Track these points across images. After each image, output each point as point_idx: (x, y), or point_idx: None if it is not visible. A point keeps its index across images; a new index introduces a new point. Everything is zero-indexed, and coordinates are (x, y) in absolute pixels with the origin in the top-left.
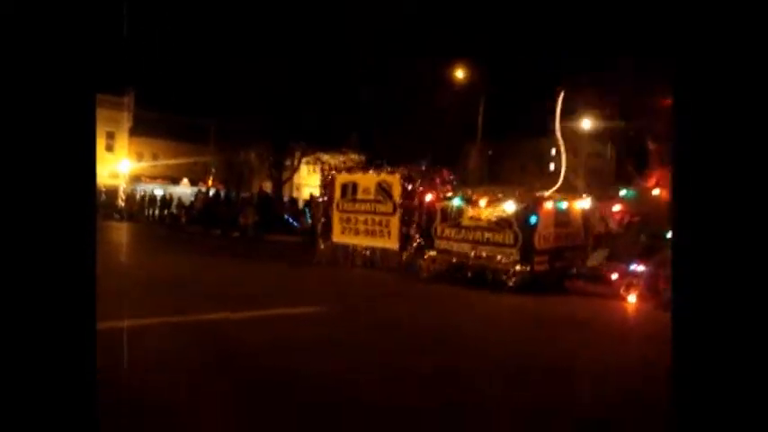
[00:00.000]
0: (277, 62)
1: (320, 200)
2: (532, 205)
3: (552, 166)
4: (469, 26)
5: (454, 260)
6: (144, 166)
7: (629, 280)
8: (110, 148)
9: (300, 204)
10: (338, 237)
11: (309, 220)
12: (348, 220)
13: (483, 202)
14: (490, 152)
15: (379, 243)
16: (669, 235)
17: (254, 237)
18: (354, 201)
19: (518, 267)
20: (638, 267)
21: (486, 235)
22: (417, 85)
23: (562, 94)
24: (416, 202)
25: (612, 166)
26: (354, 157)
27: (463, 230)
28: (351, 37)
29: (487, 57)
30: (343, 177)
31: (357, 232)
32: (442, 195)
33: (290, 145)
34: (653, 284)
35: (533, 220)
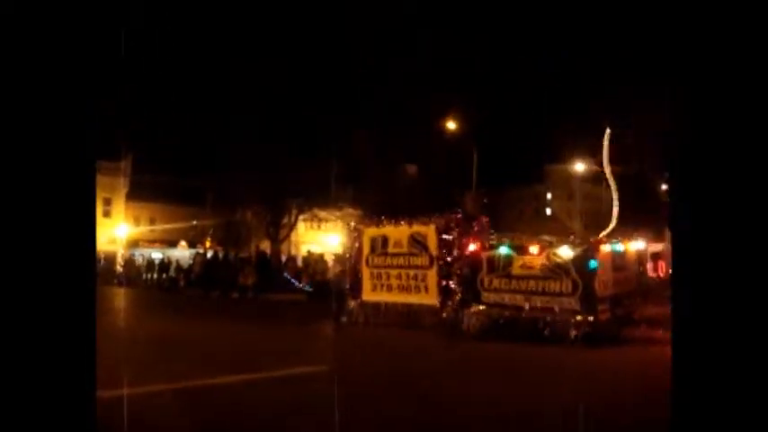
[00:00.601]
0: (270, 118)
1: (347, 255)
2: (591, 249)
3: (549, 211)
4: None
5: (507, 313)
6: (141, 230)
7: None
8: (107, 214)
9: (300, 262)
10: (368, 294)
11: (304, 286)
12: (379, 276)
13: (534, 248)
14: (485, 200)
15: (415, 299)
16: None
17: (253, 297)
18: (386, 255)
19: (579, 318)
20: None
21: (541, 284)
22: (412, 140)
23: (608, 132)
24: (456, 252)
25: (608, 208)
26: (351, 211)
27: (514, 280)
28: (343, 89)
29: (480, 107)
30: (371, 231)
31: (390, 288)
32: (486, 244)
33: (286, 201)
34: None
35: (593, 264)
